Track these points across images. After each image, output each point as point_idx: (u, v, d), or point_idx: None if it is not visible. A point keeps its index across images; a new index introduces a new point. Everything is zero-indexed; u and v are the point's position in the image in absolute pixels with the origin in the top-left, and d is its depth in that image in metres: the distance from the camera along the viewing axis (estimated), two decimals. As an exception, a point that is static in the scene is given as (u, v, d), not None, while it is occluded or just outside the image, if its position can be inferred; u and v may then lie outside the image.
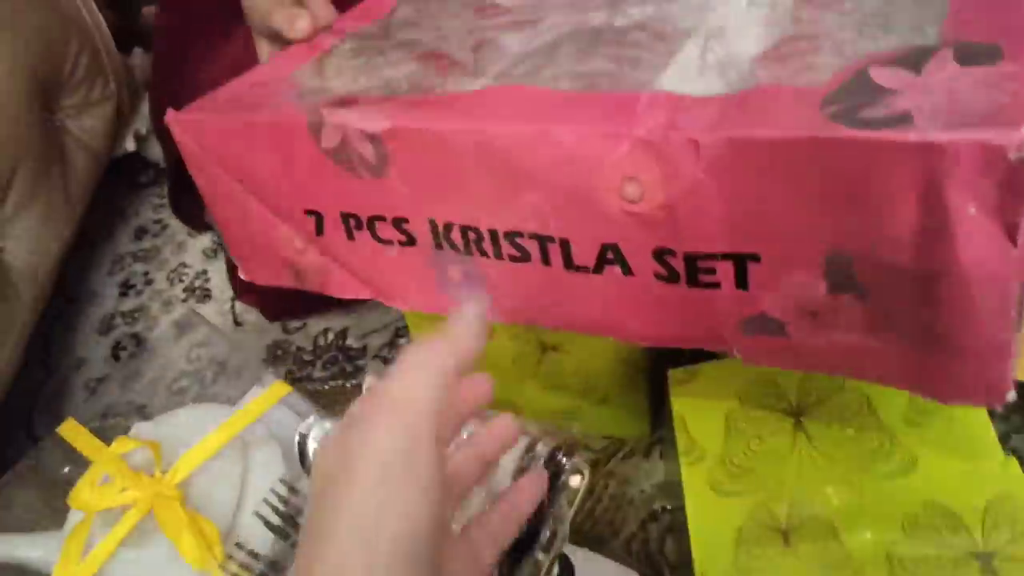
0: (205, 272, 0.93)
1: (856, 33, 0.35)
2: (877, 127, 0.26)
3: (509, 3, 0.52)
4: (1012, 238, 0.26)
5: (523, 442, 0.40)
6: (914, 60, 0.29)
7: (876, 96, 0.28)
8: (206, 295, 0.91)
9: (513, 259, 0.39)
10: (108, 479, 0.47)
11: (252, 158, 0.46)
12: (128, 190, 1.08)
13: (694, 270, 0.34)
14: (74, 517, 0.48)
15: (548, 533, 0.37)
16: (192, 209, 0.83)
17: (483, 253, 0.41)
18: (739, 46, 0.38)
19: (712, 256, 0.33)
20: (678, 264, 0.34)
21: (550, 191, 0.36)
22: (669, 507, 0.56)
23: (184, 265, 0.96)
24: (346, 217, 0.44)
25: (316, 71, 0.49)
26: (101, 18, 0.93)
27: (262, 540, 0.45)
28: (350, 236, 0.44)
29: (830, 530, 0.41)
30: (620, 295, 0.37)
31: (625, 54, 0.40)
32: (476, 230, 0.40)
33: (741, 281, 0.33)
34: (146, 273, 0.97)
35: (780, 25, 0.38)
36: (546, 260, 0.38)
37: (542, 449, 0.40)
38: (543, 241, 0.38)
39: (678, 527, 0.54)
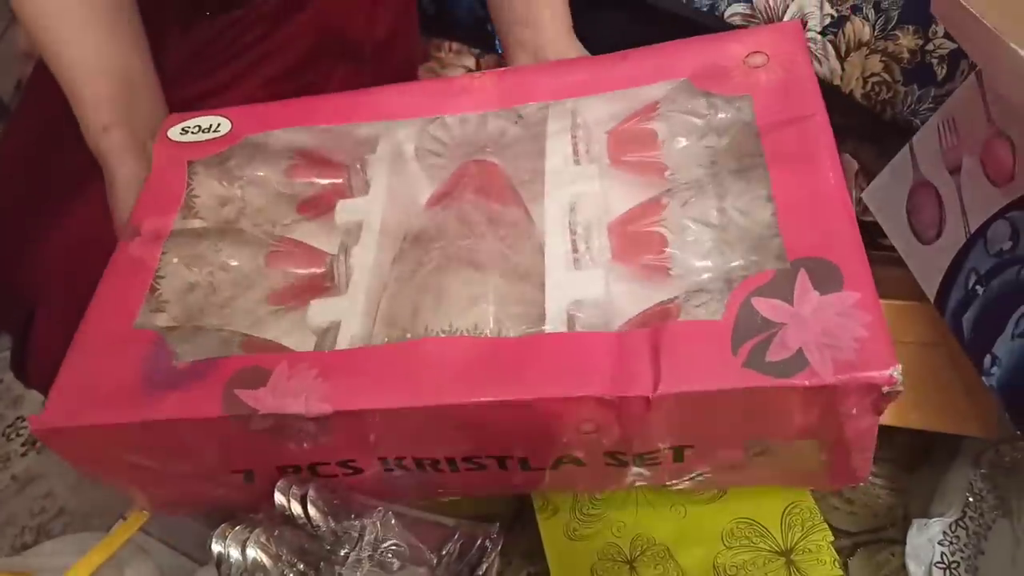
0: (47, 423, 0.90)
1: (723, 261, 0.45)
2: (783, 374, 0.36)
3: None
4: (878, 415, 0.38)
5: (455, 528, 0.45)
6: (783, 289, 0.39)
7: (766, 330, 0.38)
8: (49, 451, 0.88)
9: (469, 470, 0.44)
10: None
11: (158, 447, 0.44)
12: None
13: (640, 459, 0.43)
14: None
15: None
16: (33, 368, 0.79)
17: (438, 471, 0.45)
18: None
19: (656, 451, 0.42)
20: (627, 457, 0.43)
21: (512, 439, 0.42)
22: (535, 570, 0.61)
23: (21, 419, 0.92)
24: (283, 468, 0.45)
25: (163, 304, 0.49)
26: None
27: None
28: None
29: (666, 553, 0.48)
30: (569, 474, 0.44)
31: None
32: (433, 460, 0.44)
33: (678, 458, 0.43)
34: (-21, 432, 0.92)
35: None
36: (503, 467, 0.44)
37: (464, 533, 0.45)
38: (502, 460, 0.44)
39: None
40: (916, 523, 0.54)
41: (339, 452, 0.44)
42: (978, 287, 0.46)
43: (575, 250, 0.47)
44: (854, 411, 0.38)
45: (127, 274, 0.49)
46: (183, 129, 0.56)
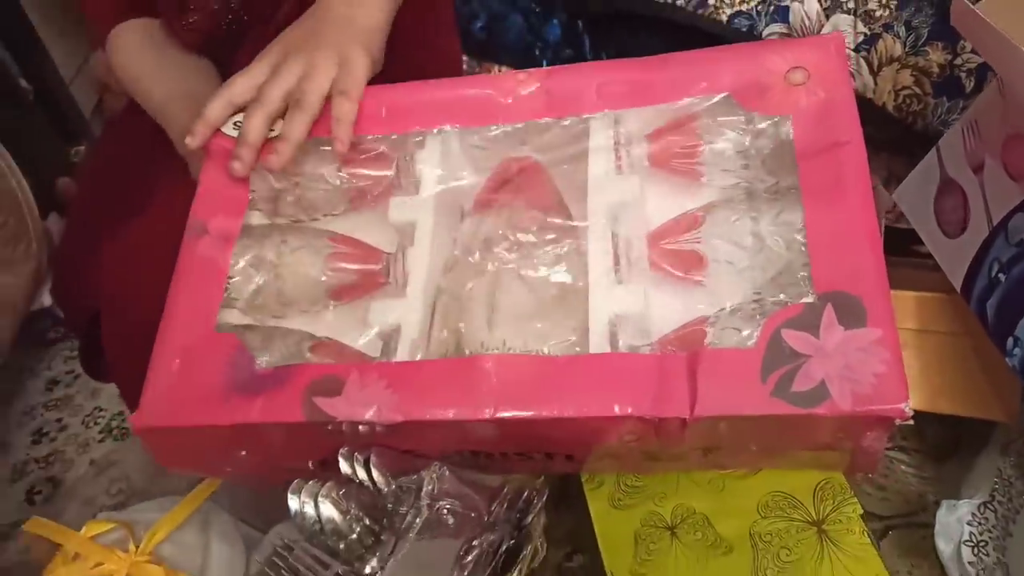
0: (121, 413, 0.97)
1: (754, 282, 0.48)
2: (809, 404, 0.41)
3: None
4: (888, 434, 0.43)
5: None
6: (810, 322, 0.43)
7: (793, 361, 0.42)
8: (124, 433, 0.94)
9: (519, 460, 0.49)
10: (80, 558, 0.52)
11: (244, 443, 0.49)
12: (38, 348, 1.11)
13: (674, 456, 0.48)
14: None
15: (529, 549, 0.45)
16: (104, 368, 0.85)
17: (490, 459, 0.49)
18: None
19: (687, 451, 0.47)
20: (662, 455, 0.47)
21: (561, 443, 0.47)
22: (579, 549, 0.64)
23: (99, 409, 0.99)
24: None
25: (234, 304, 0.53)
26: (27, 184, 1.01)
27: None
28: None
29: (705, 521, 0.52)
30: (608, 465, 0.50)
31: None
32: (487, 453, 0.49)
33: (706, 455, 0.48)
34: (59, 420, 0.99)
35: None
36: (550, 459, 0.49)
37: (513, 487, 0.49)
38: (550, 454, 0.49)
39: (589, 565, 0.63)
40: (946, 504, 0.57)
41: (404, 444, 0.49)
42: (1000, 275, 0.50)
43: (616, 263, 0.50)
44: (869, 435, 0.42)
45: (200, 274, 0.52)
46: (235, 124, 0.57)
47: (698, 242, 0.50)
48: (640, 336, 0.47)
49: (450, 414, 0.44)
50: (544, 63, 0.87)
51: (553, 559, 0.64)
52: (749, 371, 0.42)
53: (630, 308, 0.48)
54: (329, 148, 0.58)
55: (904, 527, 0.61)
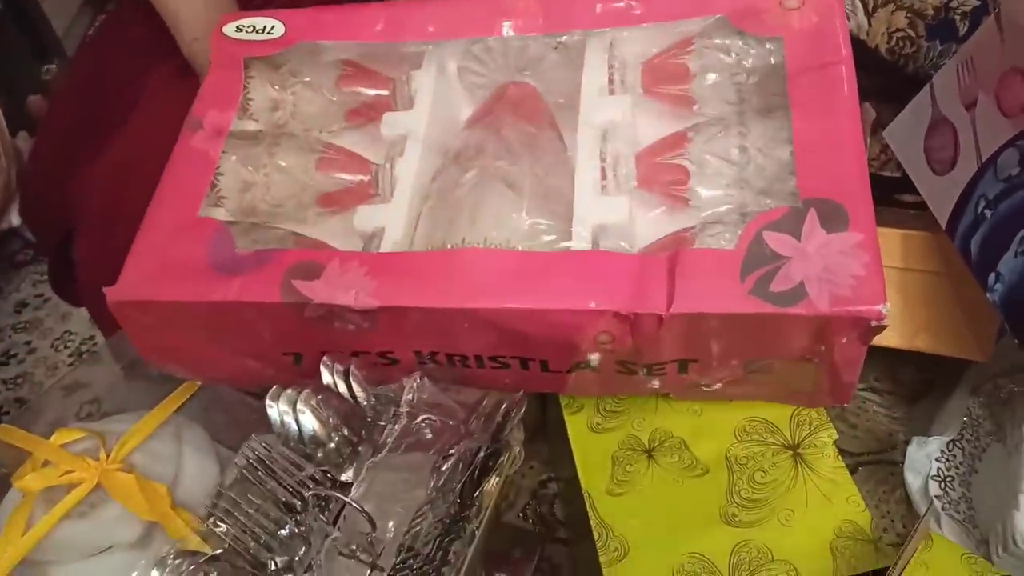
0: (92, 337, 0.95)
1: (739, 195, 0.48)
2: (786, 303, 0.40)
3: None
4: (866, 344, 0.42)
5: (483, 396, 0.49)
6: (793, 225, 0.43)
7: (773, 262, 0.41)
8: (94, 358, 0.93)
9: (494, 368, 0.49)
10: (49, 465, 0.51)
11: (219, 325, 0.48)
12: (6, 269, 1.09)
13: (649, 369, 0.47)
14: (10, 500, 0.51)
15: (506, 457, 0.45)
16: (74, 289, 0.84)
17: (466, 367, 0.49)
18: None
19: (664, 363, 0.46)
20: (637, 368, 0.47)
21: (536, 343, 0.46)
22: (554, 476, 0.65)
23: (70, 333, 0.97)
24: (328, 353, 0.49)
25: (221, 200, 0.53)
26: (-5, 99, 0.97)
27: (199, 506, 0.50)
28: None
29: (682, 444, 0.52)
30: (584, 379, 0.48)
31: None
32: (462, 356, 0.48)
33: (683, 370, 0.47)
34: (28, 343, 0.97)
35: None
36: (525, 367, 0.48)
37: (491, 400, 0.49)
38: (524, 361, 0.48)
39: (563, 491, 0.63)
40: (916, 440, 0.58)
41: (380, 343, 0.48)
42: (987, 211, 0.50)
43: (603, 177, 0.50)
44: (844, 340, 0.42)
45: (191, 165, 0.53)
46: (238, 27, 0.58)
47: (685, 159, 0.50)
48: (624, 245, 0.47)
49: (426, 302, 0.43)
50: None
51: (529, 484, 0.65)
52: (728, 271, 0.41)
53: (614, 218, 0.48)
54: (332, 59, 0.57)
55: (873, 463, 0.62)
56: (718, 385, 0.49)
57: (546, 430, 0.67)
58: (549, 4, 0.56)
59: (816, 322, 0.41)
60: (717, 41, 0.54)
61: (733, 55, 0.54)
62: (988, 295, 0.49)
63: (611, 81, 0.55)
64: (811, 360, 0.45)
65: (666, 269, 0.43)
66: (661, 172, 0.51)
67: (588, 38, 0.56)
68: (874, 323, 0.40)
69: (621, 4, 0.55)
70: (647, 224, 0.50)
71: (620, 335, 0.43)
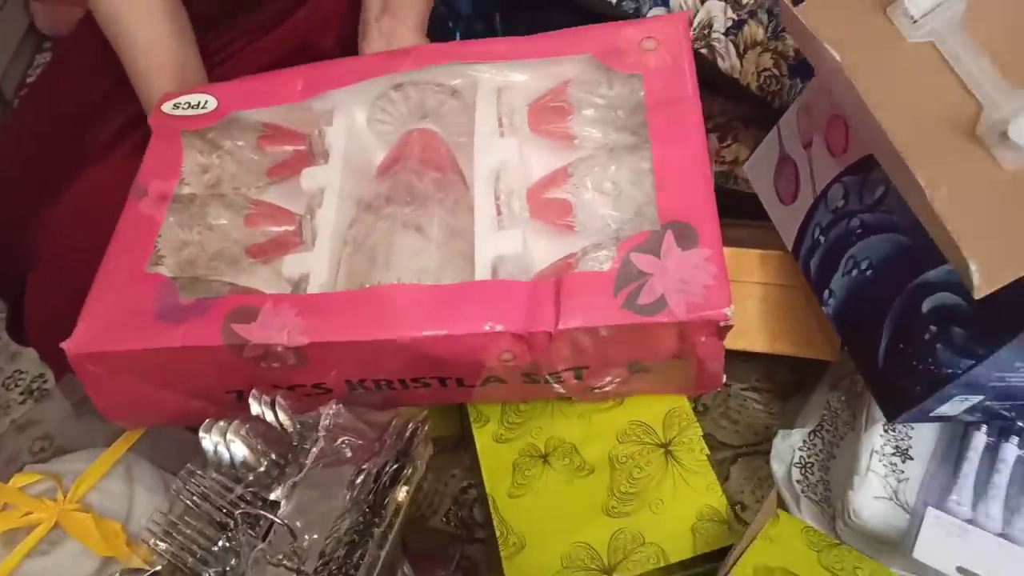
0: (42, 375, 1.00)
1: (614, 222, 0.56)
2: (651, 313, 0.48)
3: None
4: (721, 340, 0.50)
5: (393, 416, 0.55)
6: (654, 246, 0.50)
7: (640, 279, 0.49)
8: (45, 394, 0.97)
9: (416, 388, 0.56)
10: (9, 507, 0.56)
11: (166, 370, 0.54)
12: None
13: (549, 378, 0.54)
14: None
15: (410, 468, 0.52)
16: (27, 329, 0.85)
17: (392, 389, 0.55)
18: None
19: (561, 371, 0.53)
20: (539, 377, 0.54)
21: (449, 364, 0.53)
22: (474, 483, 0.72)
23: (20, 372, 1.01)
24: (268, 387, 0.55)
25: (162, 258, 0.59)
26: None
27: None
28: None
29: (573, 449, 0.60)
30: (496, 389, 0.56)
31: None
32: (388, 381, 0.55)
33: (578, 376, 0.54)
34: (-21, 383, 1.01)
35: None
36: (443, 385, 0.55)
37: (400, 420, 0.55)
38: (442, 379, 0.55)
39: (482, 496, 0.70)
40: (781, 432, 0.66)
41: (313, 375, 0.55)
42: (821, 237, 0.59)
43: (499, 213, 0.57)
44: (703, 339, 0.50)
45: (137, 228, 0.59)
46: (175, 105, 0.66)
47: (568, 192, 0.58)
48: (519, 273, 0.54)
49: (351, 336, 0.50)
50: (456, 36, 0.93)
51: (452, 491, 0.72)
52: (604, 290, 0.49)
53: (510, 250, 0.55)
54: (253, 122, 0.64)
55: (751, 454, 0.71)
56: (610, 386, 0.56)
57: (467, 442, 0.74)
58: (443, 54, 0.63)
59: (678, 327, 0.49)
60: (589, 80, 0.62)
61: (603, 96, 0.61)
62: (824, 309, 0.58)
63: (501, 124, 0.62)
64: (681, 357, 0.52)
65: (553, 292, 0.50)
66: (549, 205, 0.59)
67: (479, 85, 0.63)
68: (722, 323, 0.48)
69: (503, 45, 0.63)
70: (542, 252, 0.57)
71: (519, 352, 0.51)
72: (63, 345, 0.52)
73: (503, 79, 0.63)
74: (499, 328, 0.49)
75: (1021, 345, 0.45)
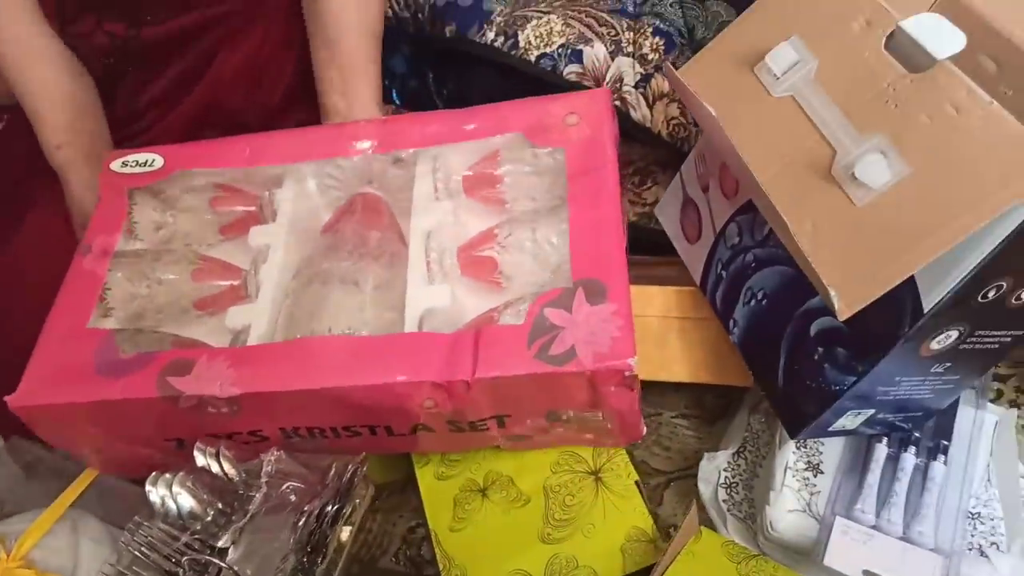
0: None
1: (535, 278, 0.61)
2: (561, 363, 0.52)
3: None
4: (632, 391, 0.54)
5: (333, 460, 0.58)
6: (566, 302, 0.54)
7: (552, 332, 0.53)
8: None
9: (349, 436, 0.58)
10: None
11: (107, 420, 0.57)
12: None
13: (473, 426, 0.58)
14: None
15: (349, 508, 0.55)
16: None
17: (325, 437, 0.58)
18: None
19: (484, 420, 0.57)
20: (463, 425, 0.58)
21: (376, 411, 0.56)
22: (421, 522, 0.75)
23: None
24: (206, 437, 0.59)
25: (110, 311, 0.62)
26: None
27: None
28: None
29: (509, 481, 0.63)
30: (426, 438, 0.59)
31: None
32: (320, 429, 0.58)
33: (501, 425, 0.58)
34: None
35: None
36: (373, 433, 0.59)
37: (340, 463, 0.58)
38: (372, 428, 0.58)
39: (429, 534, 0.73)
40: (707, 455, 0.71)
41: (248, 424, 0.58)
42: (723, 272, 0.64)
43: (429, 269, 0.62)
44: (612, 388, 0.54)
45: (81, 284, 0.62)
46: (123, 163, 0.69)
47: (493, 251, 0.62)
48: (446, 326, 0.58)
49: (280, 386, 0.53)
50: (393, 93, 0.99)
51: (400, 531, 0.75)
52: (519, 341, 0.53)
53: (439, 303, 0.59)
54: (205, 183, 0.68)
55: (683, 478, 0.75)
56: (534, 435, 0.61)
57: (414, 484, 0.77)
58: (387, 129, 0.69)
59: (586, 376, 0.53)
60: (517, 153, 0.67)
61: (530, 164, 0.67)
62: (731, 337, 0.63)
63: (436, 189, 0.67)
64: (596, 407, 0.57)
65: (472, 343, 0.54)
66: (477, 263, 0.63)
67: (419, 155, 0.68)
68: (627, 373, 0.52)
69: (441, 127, 0.68)
70: (471, 306, 0.61)
71: (440, 400, 0.54)
72: (7, 399, 0.55)
73: (440, 151, 0.68)
74: (418, 378, 0.53)
75: (896, 361, 0.50)
